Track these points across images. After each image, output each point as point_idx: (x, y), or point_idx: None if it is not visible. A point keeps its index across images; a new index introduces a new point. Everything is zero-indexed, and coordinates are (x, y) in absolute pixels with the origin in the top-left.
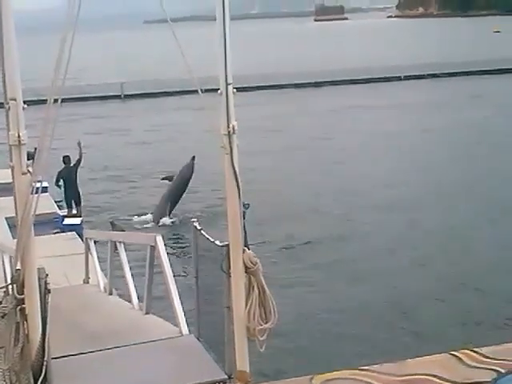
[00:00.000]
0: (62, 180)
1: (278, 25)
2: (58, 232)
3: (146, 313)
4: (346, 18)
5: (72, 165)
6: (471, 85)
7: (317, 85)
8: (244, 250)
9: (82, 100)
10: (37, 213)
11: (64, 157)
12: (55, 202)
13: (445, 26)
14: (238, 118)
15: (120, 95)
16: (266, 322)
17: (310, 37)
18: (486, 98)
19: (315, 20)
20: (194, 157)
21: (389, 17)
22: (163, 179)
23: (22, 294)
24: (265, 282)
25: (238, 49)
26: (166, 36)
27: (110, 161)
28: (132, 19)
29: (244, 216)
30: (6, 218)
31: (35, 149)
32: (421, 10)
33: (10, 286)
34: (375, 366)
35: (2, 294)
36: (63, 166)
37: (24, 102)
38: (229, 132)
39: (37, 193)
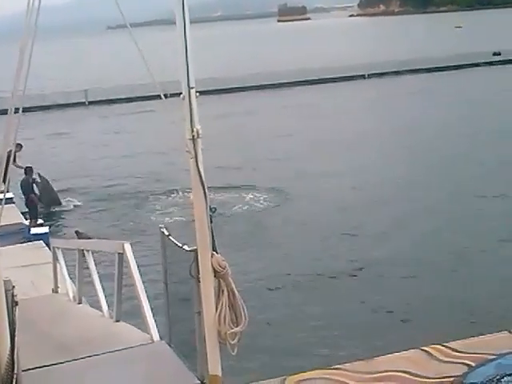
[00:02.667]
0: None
1: (241, 27)
2: (24, 242)
3: (117, 320)
4: (309, 18)
5: (32, 180)
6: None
7: (278, 86)
8: (212, 254)
9: (45, 108)
10: (2, 223)
11: (26, 167)
12: (21, 212)
13: (406, 23)
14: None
15: (84, 102)
16: (237, 326)
17: (274, 38)
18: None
19: (278, 21)
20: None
21: (351, 16)
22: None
23: None
24: (234, 285)
25: (200, 52)
26: (129, 41)
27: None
28: (95, 25)
29: (211, 220)
30: None
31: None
32: (382, 7)
33: None
34: (347, 364)
35: None
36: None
37: None
38: (193, 136)
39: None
